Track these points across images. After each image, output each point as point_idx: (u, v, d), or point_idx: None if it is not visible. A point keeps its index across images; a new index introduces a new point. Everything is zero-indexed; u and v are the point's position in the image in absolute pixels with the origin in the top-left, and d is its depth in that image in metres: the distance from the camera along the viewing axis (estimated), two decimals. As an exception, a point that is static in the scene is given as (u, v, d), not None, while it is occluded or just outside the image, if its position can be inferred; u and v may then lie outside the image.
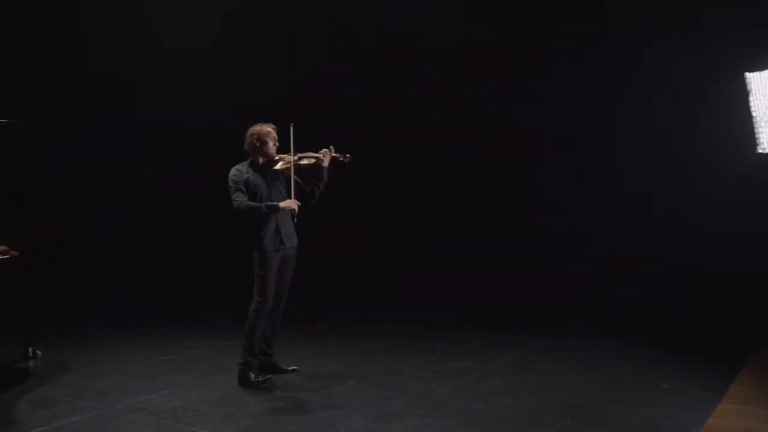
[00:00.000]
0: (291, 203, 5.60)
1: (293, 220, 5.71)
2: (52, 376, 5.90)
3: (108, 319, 7.99)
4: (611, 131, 8.55)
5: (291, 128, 5.71)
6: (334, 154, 5.85)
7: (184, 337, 7.19)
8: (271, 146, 5.72)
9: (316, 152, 5.84)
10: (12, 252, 5.65)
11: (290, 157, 5.70)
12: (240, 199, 5.53)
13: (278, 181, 5.78)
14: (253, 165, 5.71)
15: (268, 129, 5.74)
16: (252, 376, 5.61)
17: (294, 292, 5.94)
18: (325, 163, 5.83)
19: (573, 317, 7.81)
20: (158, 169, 9.67)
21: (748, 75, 7.35)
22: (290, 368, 5.97)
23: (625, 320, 7.48)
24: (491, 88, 8.89)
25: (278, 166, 5.70)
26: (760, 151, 7.37)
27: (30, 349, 6.44)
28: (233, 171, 5.64)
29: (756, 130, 7.36)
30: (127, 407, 5.14)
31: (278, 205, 5.56)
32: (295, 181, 5.75)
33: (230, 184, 5.60)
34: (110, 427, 4.76)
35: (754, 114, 7.35)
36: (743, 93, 7.41)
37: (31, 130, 6.46)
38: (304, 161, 5.78)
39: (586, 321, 7.61)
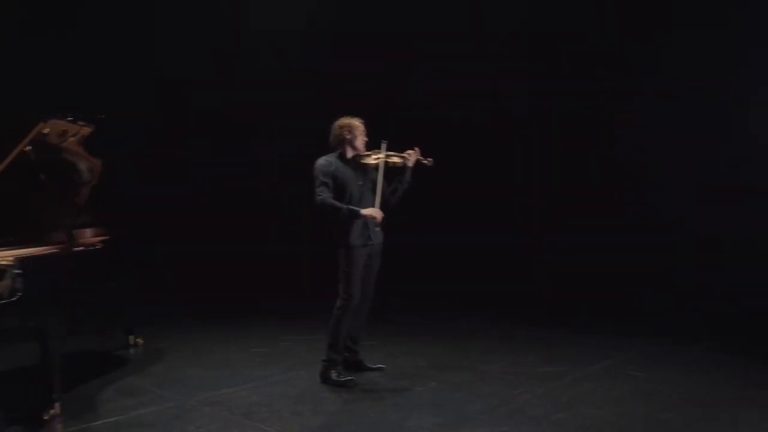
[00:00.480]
0: (374, 212, 5.44)
1: (375, 228, 5.56)
2: (145, 366, 6.06)
3: (209, 310, 8.16)
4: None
5: (383, 145, 5.58)
6: (419, 157, 5.67)
7: (281, 331, 7.21)
8: (361, 140, 5.61)
9: (401, 152, 5.68)
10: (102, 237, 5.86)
11: (380, 154, 5.57)
12: (324, 194, 5.40)
13: (365, 176, 5.64)
14: (342, 158, 5.58)
15: (358, 123, 5.62)
16: (334, 374, 5.52)
17: (396, 289, 5.78)
18: (410, 164, 5.66)
19: (685, 323, 7.21)
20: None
21: None
22: (376, 366, 5.84)
23: (744, 331, 6.87)
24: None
25: (367, 160, 5.58)
26: None
27: (131, 338, 6.64)
28: (321, 161, 5.51)
29: None
30: (204, 400, 5.17)
31: (360, 212, 5.40)
32: (383, 183, 5.61)
33: (317, 174, 5.46)
34: (182, 420, 4.79)
35: None
36: None
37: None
38: (392, 159, 5.64)
39: (699, 328, 7.03)
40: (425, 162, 5.65)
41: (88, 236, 6.30)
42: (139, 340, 6.68)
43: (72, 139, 5.41)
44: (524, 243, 9.05)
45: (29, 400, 4.87)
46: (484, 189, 9.14)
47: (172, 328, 7.38)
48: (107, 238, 6.24)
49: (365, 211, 5.42)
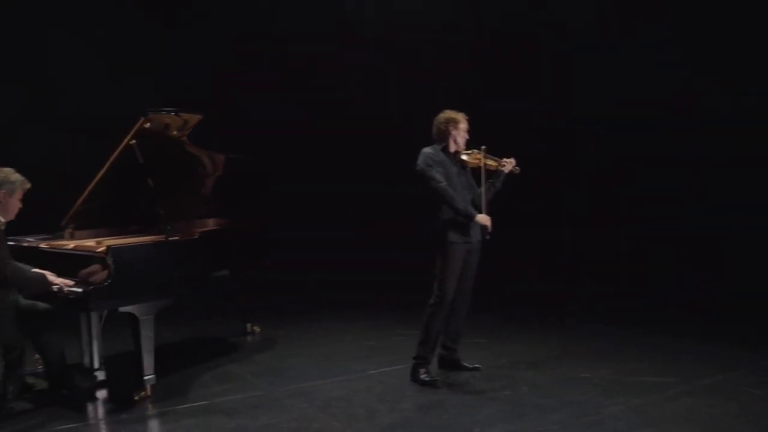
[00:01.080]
0: (486, 220, 5.30)
1: (485, 237, 5.39)
2: (250, 354, 6.28)
3: (333, 300, 8.31)
4: None
5: (482, 151, 5.42)
6: (514, 168, 5.50)
7: (402, 323, 7.15)
8: (463, 136, 5.46)
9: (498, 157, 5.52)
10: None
11: (479, 154, 5.42)
12: (442, 181, 5.25)
13: (465, 173, 5.51)
14: (445, 151, 5.45)
15: (462, 118, 5.47)
16: (423, 372, 5.41)
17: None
18: (506, 170, 5.50)
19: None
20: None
21: None
22: (473, 366, 5.66)
23: None
24: None
25: (466, 158, 5.44)
26: None
27: (249, 325, 6.87)
28: (428, 150, 5.37)
29: None
30: (290, 391, 5.27)
31: (474, 216, 5.27)
32: (487, 188, 5.43)
33: (427, 162, 5.29)
34: (261, 409, 4.91)
35: None
36: None
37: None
38: (489, 161, 5.49)
39: None
40: (515, 171, 5.51)
41: (210, 225, 6.62)
42: (256, 328, 6.91)
43: (178, 132, 5.66)
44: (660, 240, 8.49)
45: (124, 381, 5.20)
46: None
47: (297, 318, 7.56)
48: (228, 227, 6.54)
49: (480, 218, 5.28)
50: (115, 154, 5.31)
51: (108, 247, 4.85)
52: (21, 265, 4.78)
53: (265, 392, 5.24)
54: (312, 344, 6.58)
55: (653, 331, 6.70)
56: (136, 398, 4.96)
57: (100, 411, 4.99)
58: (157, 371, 5.10)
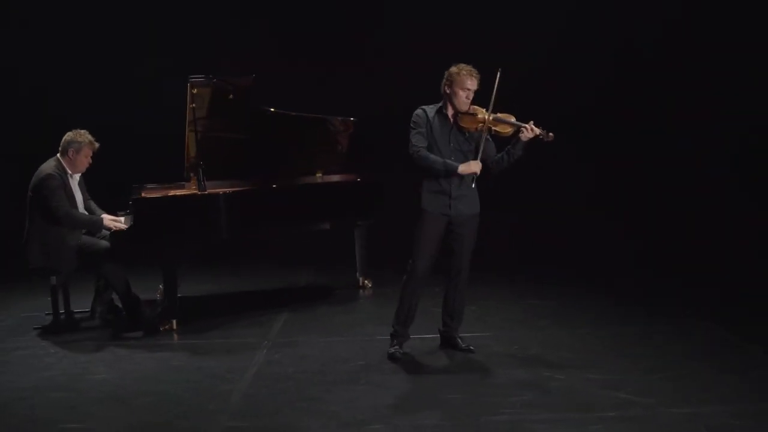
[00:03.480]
0: (472, 166, 4.94)
1: (471, 185, 5.03)
2: (315, 303, 6.69)
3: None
4: None
5: (498, 75, 4.94)
6: (538, 131, 4.94)
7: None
8: (462, 99, 5.01)
9: (518, 120, 5.01)
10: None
11: (484, 115, 5.00)
12: (420, 144, 5.00)
13: (462, 137, 5.12)
14: (440, 112, 5.11)
15: (464, 75, 4.97)
16: (391, 344, 5.25)
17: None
18: (525, 138, 4.96)
19: None
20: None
21: None
22: (466, 347, 5.32)
23: None
24: None
25: (466, 123, 5.04)
26: None
27: (361, 279, 7.24)
28: (418, 111, 5.10)
29: None
30: (308, 343, 5.57)
31: (456, 167, 4.95)
32: (486, 140, 5.06)
33: (411, 124, 5.09)
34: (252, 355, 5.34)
35: None
36: None
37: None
38: (500, 127, 5.02)
39: None
40: (544, 138, 4.93)
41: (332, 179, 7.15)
42: (368, 282, 7.23)
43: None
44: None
45: (157, 314, 6.14)
46: None
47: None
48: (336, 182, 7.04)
49: (462, 167, 4.94)
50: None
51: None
52: (77, 212, 5.93)
53: (258, 341, 5.58)
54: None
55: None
56: (162, 329, 5.87)
57: (150, 334, 5.86)
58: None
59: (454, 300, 5.33)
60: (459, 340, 5.35)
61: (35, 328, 6.00)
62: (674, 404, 4.28)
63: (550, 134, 4.95)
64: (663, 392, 4.47)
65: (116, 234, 5.80)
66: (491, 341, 5.52)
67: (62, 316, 6.06)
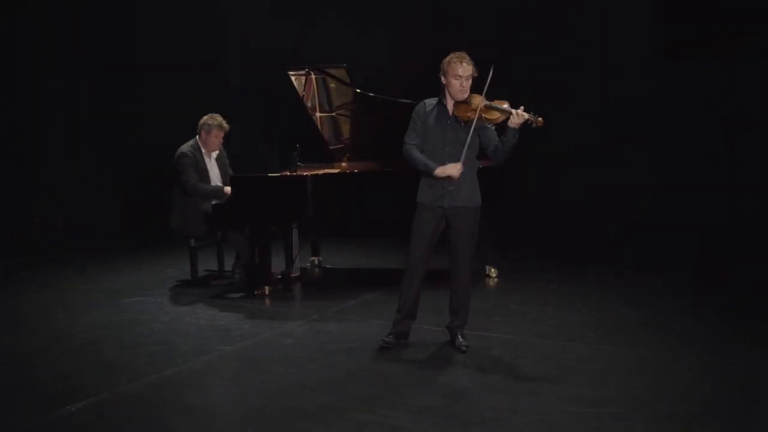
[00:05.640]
0: (448, 169, 4.82)
1: (449, 187, 4.88)
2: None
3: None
4: None
5: (491, 71, 4.75)
6: (526, 116, 4.68)
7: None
8: (457, 87, 4.84)
9: (509, 106, 4.77)
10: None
11: (478, 102, 4.82)
12: (410, 143, 4.98)
13: (457, 126, 4.94)
14: (441, 103, 5.00)
15: (454, 62, 4.81)
16: (389, 333, 5.20)
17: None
18: (513, 124, 4.73)
19: None
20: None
21: None
22: (459, 345, 5.07)
23: None
24: None
25: (460, 112, 4.89)
26: None
27: (488, 268, 7.09)
28: (419, 105, 5.05)
29: None
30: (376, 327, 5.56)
31: (433, 171, 4.85)
32: (486, 128, 4.88)
33: (411, 119, 5.06)
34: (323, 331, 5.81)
35: None
36: None
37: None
38: (490, 114, 4.82)
39: None
40: (533, 123, 4.68)
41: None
42: (493, 271, 7.02)
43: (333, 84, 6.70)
44: None
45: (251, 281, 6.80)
46: None
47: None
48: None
49: (439, 171, 4.85)
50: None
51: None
52: (203, 184, 6.83)
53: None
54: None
55: None
56: (256, 293, 6.57)
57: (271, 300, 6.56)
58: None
59: (456, 297, 5.13)
60: (458, 338, 5.12)
61: (177, 282, 7.17)
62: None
63: (540, 119, 4.65)
64: None
65: (215, 206, 6.61)
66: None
67: (213, 273, 7.22)
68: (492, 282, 6.99)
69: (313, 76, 6.65)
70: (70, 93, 9.45)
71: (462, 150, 4.80)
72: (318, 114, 6.90)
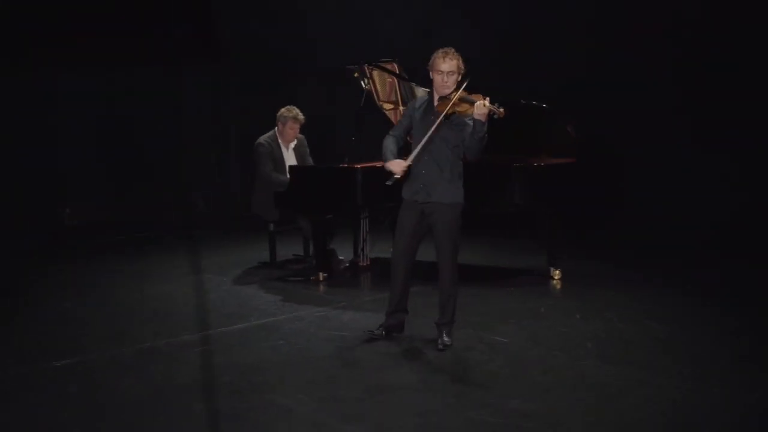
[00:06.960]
0: (392, 165, 4.88)
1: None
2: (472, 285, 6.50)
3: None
4: None
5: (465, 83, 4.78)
6: (490, 107, 4.60)
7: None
8: (439, 82, 4.83)
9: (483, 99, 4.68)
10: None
11: (455, 95, 4.77)
12: (390, 133, 5.09)
13: (442, 120, 4.86)
14: (430, 98, 4.99)
15: (438, 58, 4.81)
16: (378, 325, 5.22)
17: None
18: (476, 115, 4.64)
19: None
20: None
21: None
22: (440, 341, 4.97)
23: None
24: None
25: (440, 107, 4.83)
26: None
27: (552, 269, 6.71)
28: (414, 99, 5.13)
29: None
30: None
31: (385, 163, 4.96)
32: (437, 128, 4.82)
33: None
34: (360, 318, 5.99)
35: None
36: None
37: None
38: (461, 108, 4.75)
39: None
40: (495, 114, 4.62)
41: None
42: (557, 273, 6.66)
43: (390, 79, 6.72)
44: None
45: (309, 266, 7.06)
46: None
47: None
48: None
49: (387, 164, 4.94)
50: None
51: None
52: (276, 174, 7.08)
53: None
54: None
55: None
56: (312, 278, 6.78)
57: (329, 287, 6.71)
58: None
59: (441, 295, 5.05)
60: (442, 336, 5.00)
61: (258, 264, 7.59)
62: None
63: (501, 109, 4.57)
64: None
65: (276, 194, 6.91)
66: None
67: (300, 258, 7.56)
68: (554, 284, 6.63)
69: (371, 72, 6.69)
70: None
71: (444, 142, 4.76)
72: (385, 106, 6.92)
